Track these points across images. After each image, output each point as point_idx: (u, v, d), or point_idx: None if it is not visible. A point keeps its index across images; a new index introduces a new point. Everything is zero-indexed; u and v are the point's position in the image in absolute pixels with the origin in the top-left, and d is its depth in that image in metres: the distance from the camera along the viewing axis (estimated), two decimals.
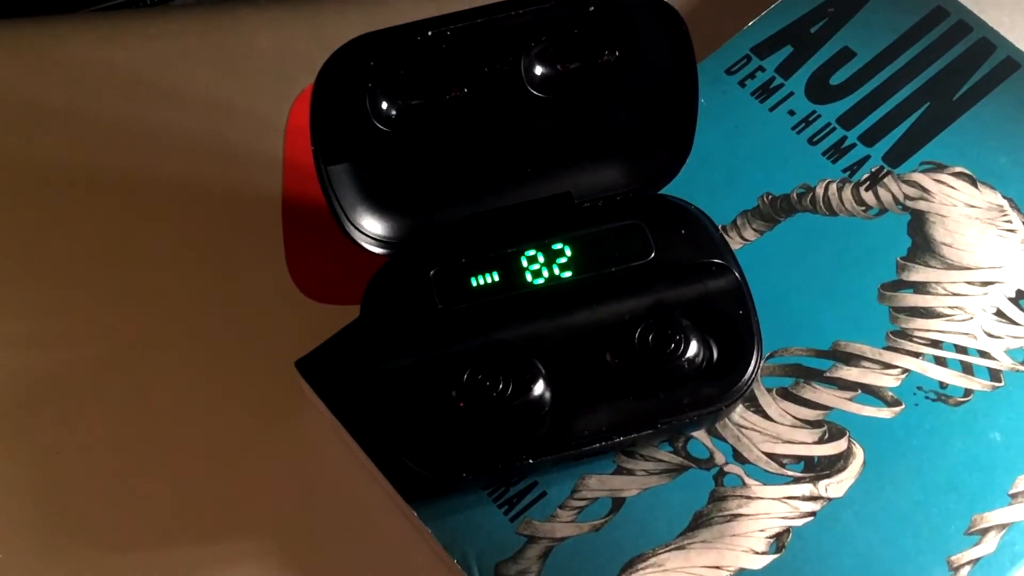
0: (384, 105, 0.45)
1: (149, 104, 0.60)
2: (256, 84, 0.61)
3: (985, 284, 0.50)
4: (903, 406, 0.48)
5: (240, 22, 0.62)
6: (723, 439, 0.48)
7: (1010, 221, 0.52)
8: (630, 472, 0.47)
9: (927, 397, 0.48)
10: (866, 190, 0.52)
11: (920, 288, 0.50)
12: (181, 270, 0.56)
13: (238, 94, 0.60)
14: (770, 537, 0.46)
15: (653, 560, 0.46)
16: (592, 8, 0.44)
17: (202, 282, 0.55)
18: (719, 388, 0.46)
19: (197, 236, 0.57)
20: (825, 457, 0.47)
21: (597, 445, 0.45)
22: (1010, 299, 0.50)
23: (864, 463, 0.47)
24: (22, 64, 0.61)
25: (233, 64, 0.61)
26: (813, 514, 0.46)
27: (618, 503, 0.47)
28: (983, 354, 0.49)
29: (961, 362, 0.49)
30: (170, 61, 0.61)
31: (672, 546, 0.46)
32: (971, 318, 0.50)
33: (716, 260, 0.48)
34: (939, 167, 0.53)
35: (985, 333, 0.49)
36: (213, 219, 0.57)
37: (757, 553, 0.46)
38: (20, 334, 0.55)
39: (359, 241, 0.47)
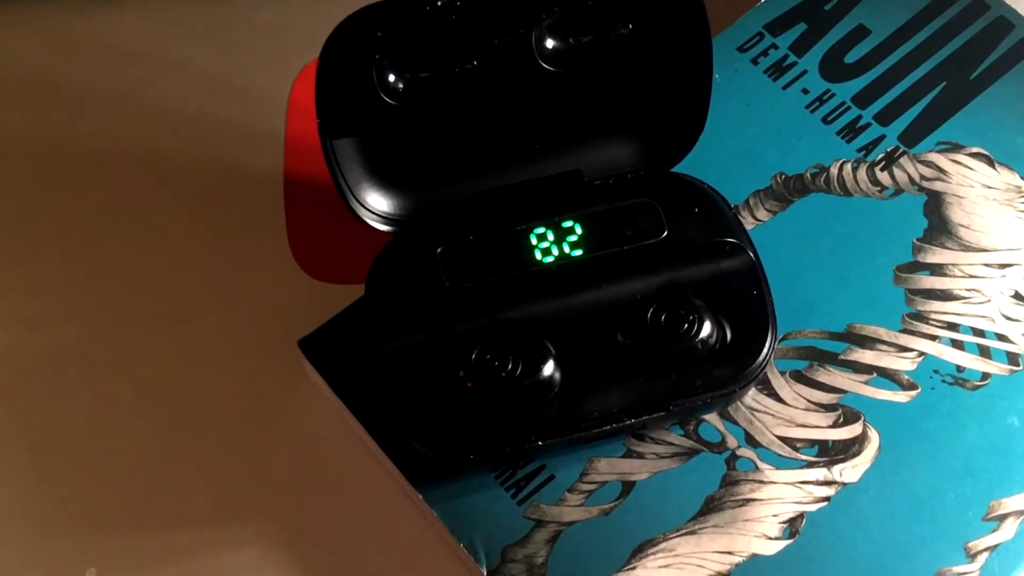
0: (391, 77, 0.44)
1: (149, 81, 0.60)
2: (257, 61, 0.60)
3: (1003, 266, 0.49)
4: (919, 390, 0.47)
5: None
6: (735, 422, 0.47)
7: None
8: (640, 455, 0.46)
9: (944, 381, 0.47)
10: (881, 170, 0.51)
11: (937, 270, 0.49)
12: (182, 249, 0.55)
13: (239, 71, 0.60)
14: (783, 522, 0.45)
15: (664, 545, 0.45)
16: None
17: (204, 261, 0.55)
18: (732, 370, 0.45)
19: (198, 215, 0.56)
20: (839, 441, 0.46)
21: (607, 427, 0.44)
22: None
23: (879, 447, 0.46)
24: (20, 40, 0.61)
25: (234, 40, 0.61)
26: (827, 499, 0.45)
27: (628, 487, 0.46)
28: (1001, 337, 0.48)
29: (978, 345, 0.48)
30: (170, 37, 0.61)
31: (683, 531, 0.45)
32: (988, 301, 0.49)
33: (730, 239, 0.47)
34: (956, 147, 0.52)
35: (1003, 316, 0.48)
36: (214, 197, 0.56)
37: (770, 538, 0.45)
38: (16, 312, 0.54)
39: (364, 218, 0.46)
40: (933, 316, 0.48)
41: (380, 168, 0.47)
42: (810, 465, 0.46)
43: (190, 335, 0.53)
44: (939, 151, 0.52)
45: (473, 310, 0.46)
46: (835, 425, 0.47)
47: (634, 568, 0.44)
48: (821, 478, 0.46)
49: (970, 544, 0.45)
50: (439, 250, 0.46)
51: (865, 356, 0.48)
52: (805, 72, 0.54)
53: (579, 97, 0.47)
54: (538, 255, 0.47)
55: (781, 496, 0.46)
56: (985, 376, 0.47)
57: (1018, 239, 0.50)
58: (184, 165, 0.57)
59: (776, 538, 0.45)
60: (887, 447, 0.46)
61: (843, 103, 0.53)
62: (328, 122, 0.44)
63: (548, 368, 0.44)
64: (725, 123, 0.52)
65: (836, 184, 0.51)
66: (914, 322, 0.48)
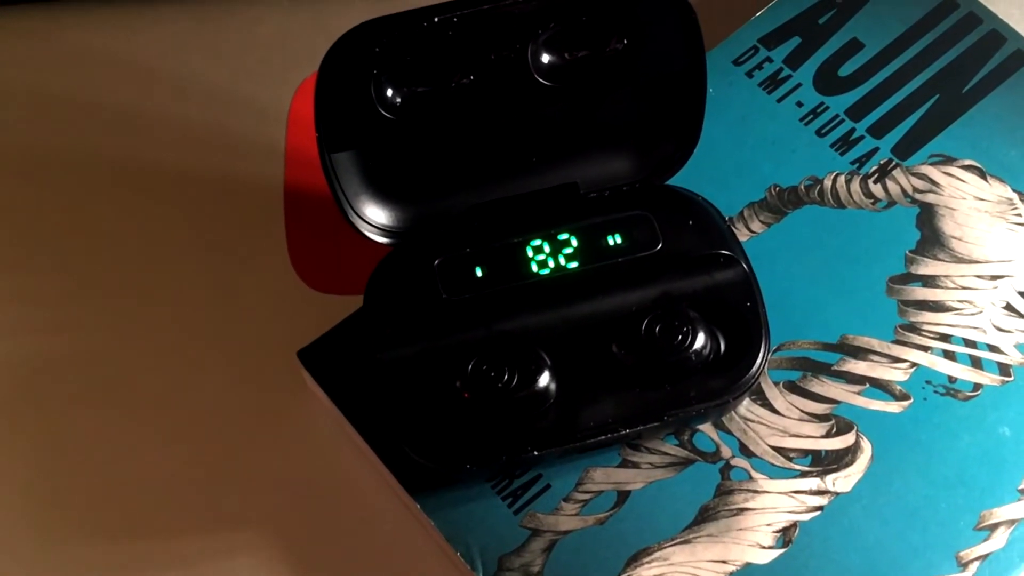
0: (389, 92, 0.45)
1: (150, 92, 0.60)
2: (258, 73, 0.60)
3: (995, 278, 0.50)
4: (911, 400, 0.48)
5: (242, 10, 0.62)
6: (729, 432, 0.47)
7: (1020, 214, 0.51)
8: (635, 465, 0.47)
9: (936, 391, 0.48)
10: (874, 182, 0.52)
11: (929, 281, 0.50)
12: (182, 260, 0.55)
13: (240, 83, 0.60)
14: (777, 531, 0.46)
15: (658, 554, 0.45)
16: None
17: (203, 272, 0.55)
18: (726, 381, 0.45)
19: (198, 226, 0.56)
20: (832, 451, 0.47)
21: (603, 437, 0.45)
22: (1020, 293, 0.49)
23: (872, 457, 0.47)
24: (22, 51, 0.61)
25: (235, 53, 0.61)
26: (820, 508, 0.46)
27: (623, 496, 0.46)
28: (992, 348, 0.48)
29: (970, 356, 0.48)
30: (171, 49, 0.61)
31: (677, 540, 0.45)
32: (980, 312, 0.49)
33: (724, 251, 0.47)
34: (948, 160, 0.52)
35: (994, 327, 0.49)
36: (214, 209, 0.57)
37: (763, 547, 0.45)
38: (17, 323, 0.54)
39: (363, 230, 0.47)
40: (925, 327, 0.49)
41: (378, 181, 0.47)
42: (803, 475, 0.46)
43: (190, 345, 0.53)
44: (932, 163, 0.52)
45: (469, 321, 0.46)
46: (828, 435, 0.47)
47: None
48: (814, 488, 0.46)
49: (962, 553, 0.45)
50: (436, 262, 0.47)
51: (858, 367, 0.48)
52: (799, 85, 0.54)
53: (575, 111, 0.48)
54: (534, 267, 0.47)
55: (775, 505, 0.46)
56: (977, 387, 0.48)
57: (1010, 251, 0.50)
58: (184, 176, 0.57)
59: (769, 547, 0.45)
60: (880, 457, 0.47)
61: (837, 116, 0.53)
62: (327, 136, 0.44)
63: (544, 379, 0.44)
64: (720, 136, 0.52)
65: (830, 196, 0.52)
66: (907, 333, 0.49)
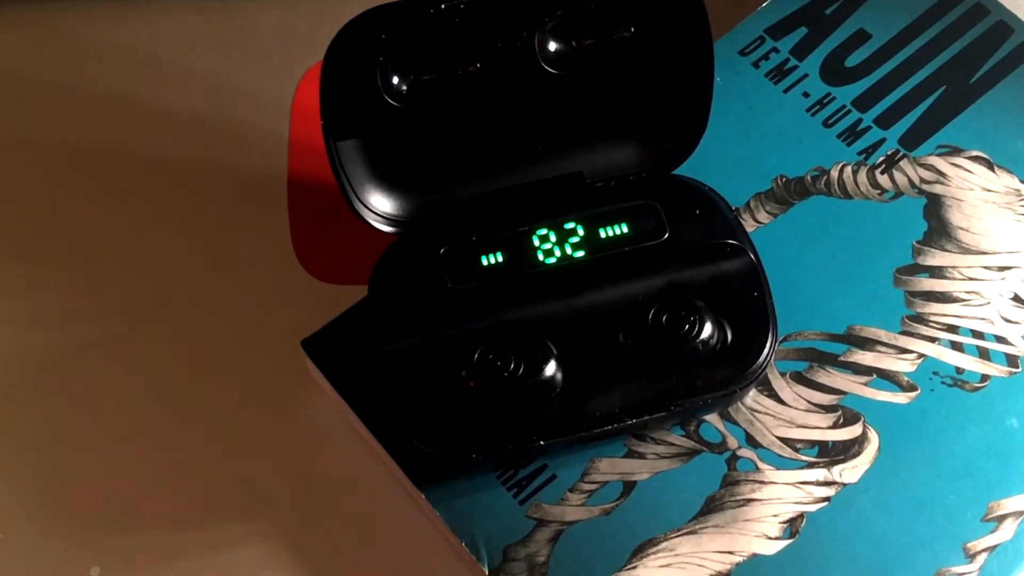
0: (395, 79, 0.45)
1: (153, 83, 0.60)
2: (261, 63, 0.60)
3: (1002, 269, 0.50)
4: (919, 391, 0.47)
5: (245, 0, 0.62)
6: (736, 423, 0.47)
7: None
8: (641, 455, 0.47)
9: (943, 382, 0.48)
10: (881, 173, 0.52)
11: (936, 272, 0.50)
12: (185, 251, 0.55)
13: (243, 73, 0.60)
14: (783, 522, 0.45)
15: (664, 545, 0.45)
16: None
17: (207, 263, 0.55)
18: (733, 371, 0.45)
19: (202, 217, 0.56)
20: (839, 442, 0.47)
21: (609, 427, 0.45)
22: None
23: (879, 448, 0.46)
24: (24, 42, 0.61)
25: (238, 43, 0.61)
26: (827, 499, 0.46)
27: (629, 487, 0.46)
28: (1000, 339, 0.48)
29: (978, 347, 0.48)
30: (174, 39, 0.61)
31: (684, 531, 0.45)
32: (988, 303, 0.49)
33: (731, 241, 0.47)
34: (955, 151, 0.52)
35: (1002, 318, 0.49)
36: (218, 199, 0.56)
37: (770, 538, 0.45)
38: (20, 314, 0.54)
39: (368, 219, 0.47)
40: (933, 318, 0.49)
41: (383, 169, 0.47)
42: (810, 466, 0.46)
43: (194, 335, 0.53)
44: (939, 154, 0.52)
45: (475, 311, 0.46)
46: (835, 426, 0.47)
47: (635, 567, 0.45)
48: (821, 479, 0.46)
49: (969, 545, 0.45)
50: (442, 251, 0.47)
51: (865, 358, 0.48)
52: (806, 76, 0.54)
53: (581, 99, 0.47)
54: (540, 256, 0.47)
55: (781, 496, 0.46)
56: (984, 378, 0.48)
57: (1017, 242, 0.50)
58: (188, 167, 0.57)
59: (776, 538, 0.45)
60: (887, 448, 0.46)
61: (844, 106, 0.53)
62: (332, 124, 0.44)
63: (550, 368, 0.44)
64: (726, 126, 0.52)
65: (836, 187, 0.52)
66: (914, 324, 0.49)
